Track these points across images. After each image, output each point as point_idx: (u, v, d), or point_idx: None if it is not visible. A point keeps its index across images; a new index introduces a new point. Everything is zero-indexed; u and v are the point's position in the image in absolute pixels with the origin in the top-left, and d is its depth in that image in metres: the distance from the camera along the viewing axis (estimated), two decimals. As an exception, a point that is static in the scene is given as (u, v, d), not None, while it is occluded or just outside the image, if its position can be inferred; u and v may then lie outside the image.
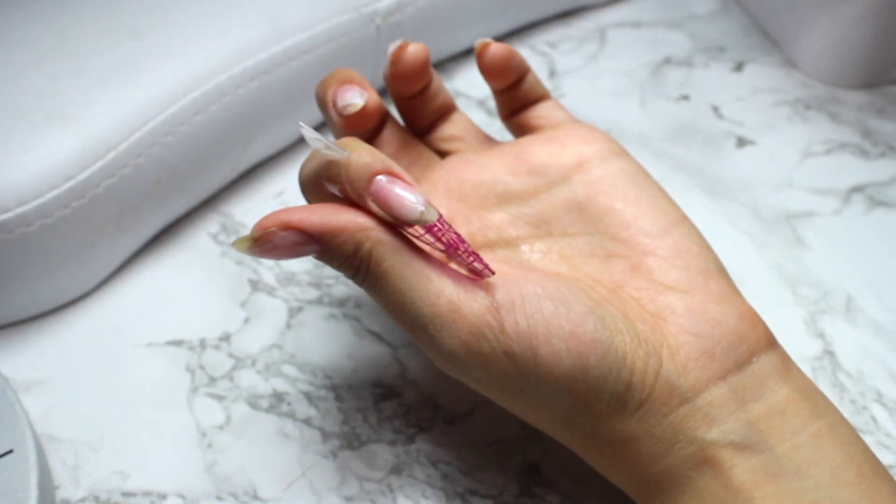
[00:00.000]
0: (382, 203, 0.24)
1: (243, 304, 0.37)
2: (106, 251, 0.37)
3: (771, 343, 0.27)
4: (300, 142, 0.44)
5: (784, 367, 0.27)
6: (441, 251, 0.26)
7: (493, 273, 0.26)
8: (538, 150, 0.31)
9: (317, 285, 0.38)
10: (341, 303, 0.38)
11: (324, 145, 0.25)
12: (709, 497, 0.25)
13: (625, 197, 0.29)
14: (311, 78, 0.40)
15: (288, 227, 0.25)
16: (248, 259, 0.39)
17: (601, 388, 0.25)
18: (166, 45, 0.37)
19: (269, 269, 0.39)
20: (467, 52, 0.49)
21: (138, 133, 0.35)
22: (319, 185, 0.26)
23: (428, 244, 0.26)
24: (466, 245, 0.26)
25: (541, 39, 0.51)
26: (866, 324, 0.37)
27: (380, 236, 0.25)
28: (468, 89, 0.47)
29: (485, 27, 0.48)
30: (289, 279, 0.38)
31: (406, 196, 0.24)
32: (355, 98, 0.30)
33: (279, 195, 0.42)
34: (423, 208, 0.24)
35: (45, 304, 0.36)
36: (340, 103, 0.30)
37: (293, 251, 0.25)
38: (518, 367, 0.25)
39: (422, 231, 0.25)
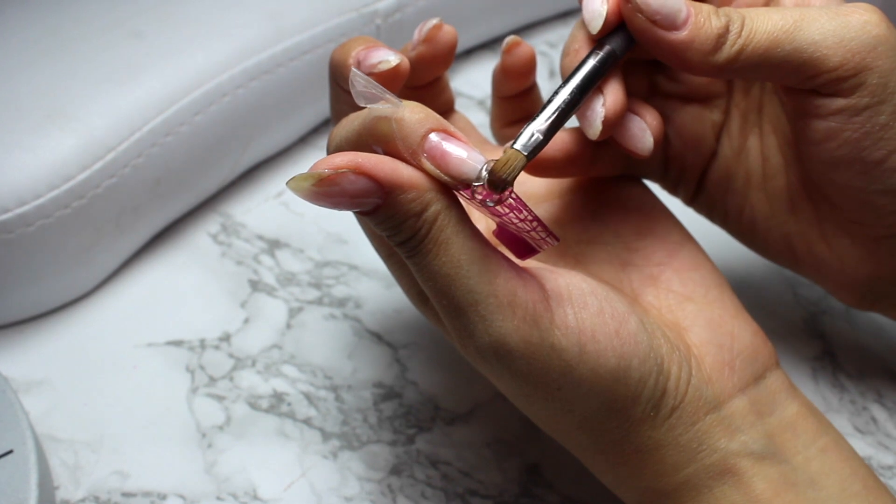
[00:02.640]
0: (439, 160, 0.22)
1: (243, 304, 0.37)
2: (106, 251, 0.37)
3: (777, 361, 0.28)
4: (300, 142, 0.44)
5: (790, 384, 0.28)
6: (500, 216, 0.24)
7: (558, 240, 0.24)
8: None
9: (317, 285, 0.38)
10: (341, 303, 0.38)
11: (372, 95, 0.23)
12: None
13: (640, 206, 0.30)
14: (311, 78, 0.40)
15: (360, 172, 0.22)
16: (249, 259, 0.39)
17: (640, 391, 0.25)
18: (166, 45, 0.37)
19: (269, 269, 0.39)
20: (467, 52, 0.49)
21: (138, 133, 0.35)
22: (360, 149, 0.24)
23: (476, 208, 0.23)
24: (530, 209, 0.23)
25: (541, 39, 0.51)
26: (866, 324, 0.37)
27: (447, 200, 0.23)
28: (468, 89, 0.47)
29: (485, 27, 0.48)
30: (289, 279, 0.38)
31: (465, 153, 0.22)
32: (389, 55, 0.27)
33: (279, 195, 0.42)
34: (482, 166, 0.22)
35: (45, 304, 0.36)
36: (371, 60, 0.27)
37: (354, 201, 0.22)
38: (562, 362, 0.24)
39: (481, 192, 0.23)
